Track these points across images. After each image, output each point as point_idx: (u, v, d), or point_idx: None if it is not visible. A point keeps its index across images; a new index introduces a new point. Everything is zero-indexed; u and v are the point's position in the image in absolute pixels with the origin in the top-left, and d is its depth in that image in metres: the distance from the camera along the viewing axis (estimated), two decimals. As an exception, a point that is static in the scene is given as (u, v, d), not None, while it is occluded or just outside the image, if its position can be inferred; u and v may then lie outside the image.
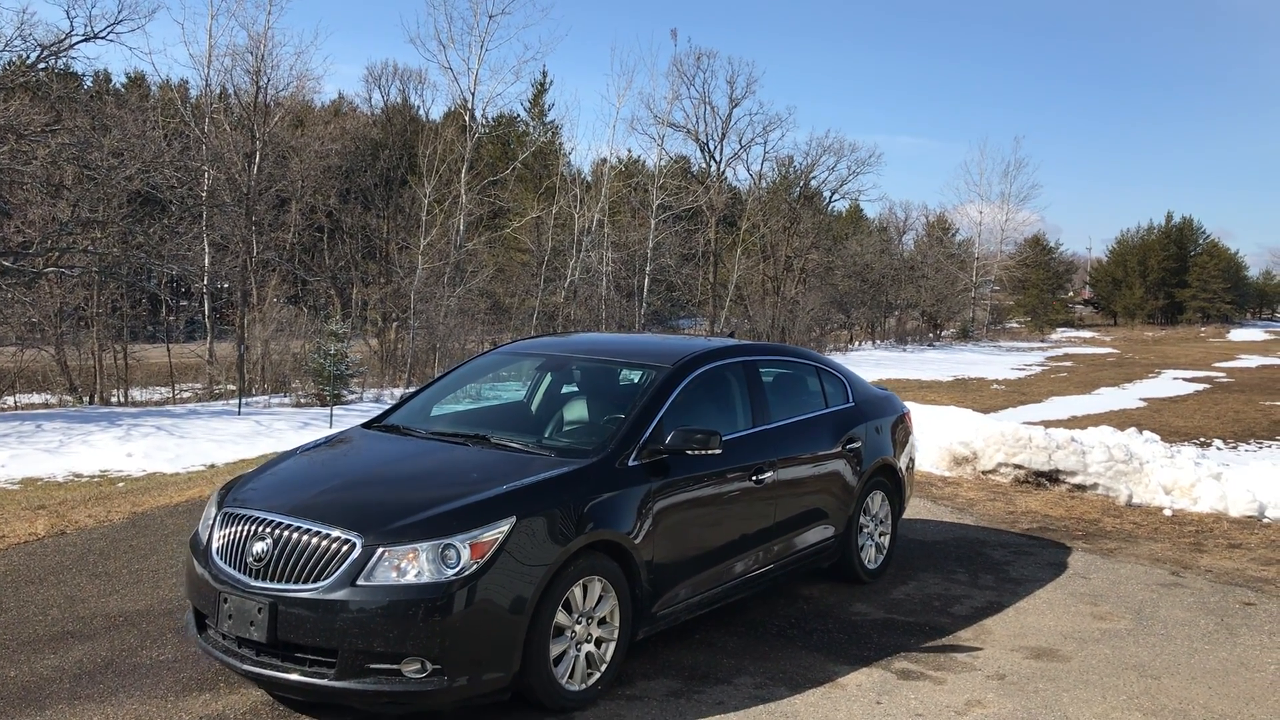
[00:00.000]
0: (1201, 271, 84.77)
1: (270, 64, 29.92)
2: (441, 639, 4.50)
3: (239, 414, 19.65)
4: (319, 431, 17.46)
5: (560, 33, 77.72)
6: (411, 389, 27.10)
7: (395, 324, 33.98)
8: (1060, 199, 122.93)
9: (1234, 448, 20.17)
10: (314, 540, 4.69)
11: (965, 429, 11.29)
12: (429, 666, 4.53)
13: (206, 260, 27.66)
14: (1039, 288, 74.12)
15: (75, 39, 20.23)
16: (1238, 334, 75.24)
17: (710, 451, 5.55)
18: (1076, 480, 10.51)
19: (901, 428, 7.84)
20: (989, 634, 6.25)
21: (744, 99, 49.69)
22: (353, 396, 23.69)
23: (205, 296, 29.37)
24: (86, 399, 23.38)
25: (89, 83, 32.08)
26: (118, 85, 41.59)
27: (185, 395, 26.10)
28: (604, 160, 44.22)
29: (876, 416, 7.49)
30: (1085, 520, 9.34)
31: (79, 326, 25.05)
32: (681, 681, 5.33)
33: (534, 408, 6.65)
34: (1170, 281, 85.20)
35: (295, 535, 4.74)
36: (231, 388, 25.44)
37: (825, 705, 5.10)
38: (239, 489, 5.36)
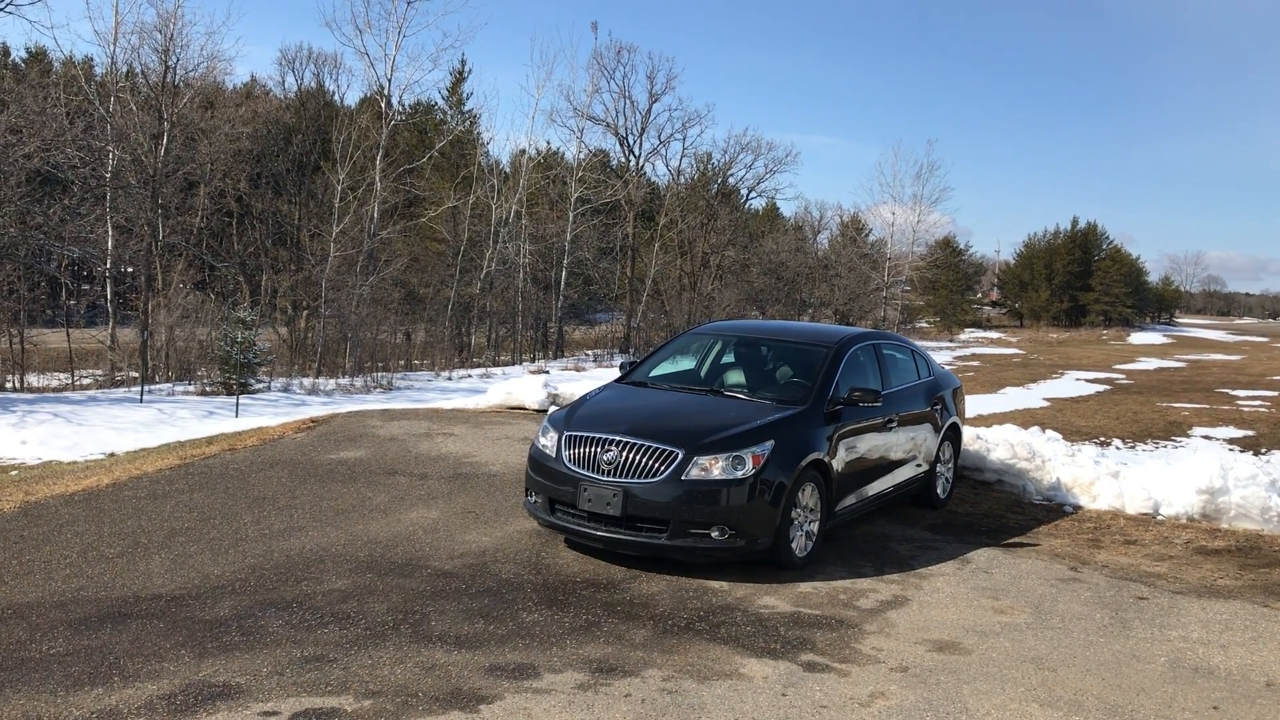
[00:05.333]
0: (1105, 276, 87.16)
1: (180, 43, 29.15)
2: (735, 515, 6.90)
3: (141, 402, 19.13)
4: (224, 420, 17.08)
5: (480, 21, 77.07)
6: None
7: (306, 312, 33.37)
8: (971, 202, 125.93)
9: (1132, 447, 20.80)
10: (648, 452, 7.01)
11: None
12: (727, 532, 6.90)
13: (110, 243, 26.83)
14: (949, 288, 75.58)
15: (-29, 10, 19.49)
16: (1138, 337, 77.64)
17: (874, 405, 8.09)
18: (981, 477, 10.74)
19: (960, 396, 10.43)
20: (893, 627, 6.33)
21: (664, 94, 50.00)
22: (260, 385, 23.20)
23: (108, 280, 28.47)
24: (-21, 384, 22.53)
25: (-14, 56, 30.87)
26: (17, 60, 40.21)
27: (85, 382, 25.31)
28: (523, 151, 44.02)
29: (947, 387, 10.06)
30: (989, 516, 9.53)
31: (-28, 309, 24.11)
32: (589, 674, 5.30)
33: (732, 371, 8.79)
34: (1075, 285, 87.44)
35: (634, 449, 7.06)
36: (134, 375, 24.75)
37: (732, 697, 5.11)
38: (572, 421, 7.55)
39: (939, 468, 9.68)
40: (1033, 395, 31.75)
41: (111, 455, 12.90)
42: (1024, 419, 21.74)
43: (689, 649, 5.75)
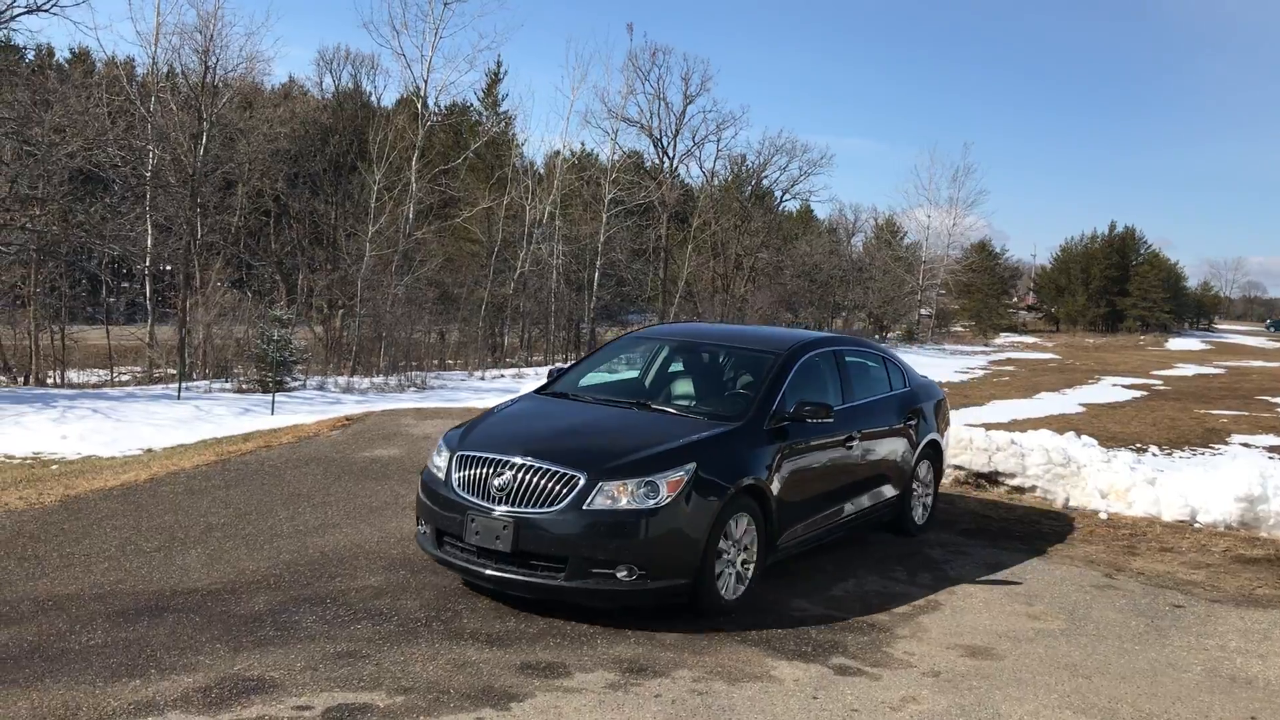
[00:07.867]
0: (1142, 281, 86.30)
1: (219, 44, 29.48)
2: (646, 551, 5.86)
3: (179, 398, 19.34)
4: (260, 418, 17.24)
5: (516, 22, 77.35)
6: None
7: (341, 311, 33.61)
8: (1007, 205, 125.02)
9: (1169, 454, 20.56)
10: (546, 476, 5.98)
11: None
12: (636, 572, 5.85)
13: (149, 241, 27.16)
14: (984, 292, 75.06)
15: (17, 10, 19.83)
16: (1176, 343, 76.83)
17: (824, 421, 6.96)
18: (1015, 482, 10.65)
19: (942, 410, 9.33)
20: (926, 632, 6.30)
21: (698, 96, 50.00)
22: (295, 384, 23.39)
23: (147, 278, 28.83)
24: (21, 379, 22.91)
25: (30, 57, 31.37)
26: (61, 60, 40.76)
27: (124, 378, 25.63)
28: (557, 152, 44.09)
29: (926, 400, 8.98)
30: (1023, 521, 9.46)
31: (15, 305, 24.50)
32: (620, 674, 5.31)
33: (667, 381, 7.79)
34: (1112, 290, 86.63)
35: (530, 472, 6.02)
36: (172, 371, 25.02)
37: (762, 699, 5.11)
38: (467, 439, 6.54)
39: (915, 488, 8.67)
40: (1068, 400, 31.45)
41: (149, 451, 13.05)
42: (1059, 424, 21.52)
43: (719, 650, 5.75)
